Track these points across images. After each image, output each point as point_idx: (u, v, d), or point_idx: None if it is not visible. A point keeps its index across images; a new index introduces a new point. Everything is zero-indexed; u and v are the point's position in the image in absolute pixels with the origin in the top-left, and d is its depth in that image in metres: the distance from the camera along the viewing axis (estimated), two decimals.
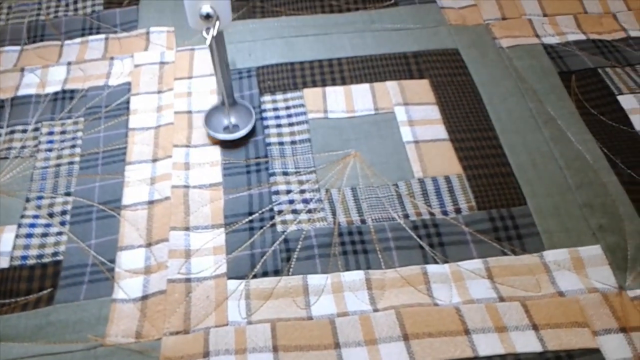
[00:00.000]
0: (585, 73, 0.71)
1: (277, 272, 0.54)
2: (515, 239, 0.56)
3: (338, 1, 0.81)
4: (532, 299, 0.52)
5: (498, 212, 0.58)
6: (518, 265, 0.54)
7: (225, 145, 0.65)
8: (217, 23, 0.55)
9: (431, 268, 0.54)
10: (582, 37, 0.76)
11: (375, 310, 0.51)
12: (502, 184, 0.60)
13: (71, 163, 0.64)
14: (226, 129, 0.66)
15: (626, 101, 0.68)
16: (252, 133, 0.66)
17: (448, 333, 0.49)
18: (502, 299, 0.52)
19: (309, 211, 0.59)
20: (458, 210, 0.58)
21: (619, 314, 0.51)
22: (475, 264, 0.54)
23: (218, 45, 0.58)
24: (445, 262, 0.54)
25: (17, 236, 0.57)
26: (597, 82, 0.70)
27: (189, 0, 0.55)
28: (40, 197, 0.61)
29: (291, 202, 0.60)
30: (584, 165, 0.62)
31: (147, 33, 0.78)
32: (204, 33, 0.56)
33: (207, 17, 0.54)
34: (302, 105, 0.68)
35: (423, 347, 0.48)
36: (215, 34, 0.56)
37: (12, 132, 0.67)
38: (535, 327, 0.50)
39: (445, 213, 0.58)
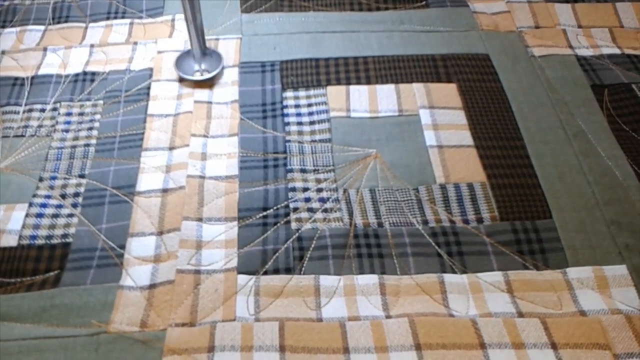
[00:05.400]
0: (619, 88, 0.69)
1: (288, 270, 0.53)
2: (538, 253, 0.54)
3: None
4: (553, 317, 0.50)
5: (522, 224, 0.56)
6: (540, 280, 0.52)
7: (243, 138, 0.64)
8: None
9: (448, 277, 0.52)
10: (616, 51, 0.74)
11: (388, 316, 0.49)
12: (528, 196, 0.58)
13: (87, 145, 0.63)
14: (196, 72, 0.69)
15: None
16: (219, 77, 0.69)
17: (462, 346, 0.47)
18: (521, 315, 0.50)
19: (325, 210, 0.57)
20: (480, 220, 0.56)
21: None
22: (495, 276, 0.52)
23: None
24: (464, 272, 0.53)
25: (27, 215, 0.56)
26: (630, 97, 0.68)
27: None
28: (53, 178, 0.60)
29: (307, 200, 0.58)
30: (613, 181, 0.59)
31: (172, 20, 0.77)
32: None
33: None
34: (325, 103, 0.67)
35: (435, 358, 0.46)
36: None
37: (30, 110, 0.66)
38: (554, 346, 0.48)
39: (466, 221, 0.56)
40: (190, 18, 0.63)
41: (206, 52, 0.70)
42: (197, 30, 0.66)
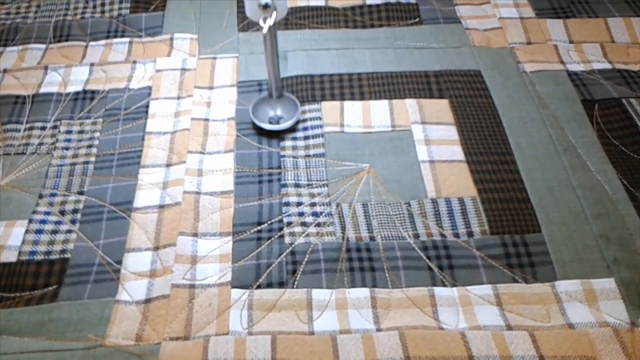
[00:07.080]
0: (609, 103, 0.70)
1: (281, 284, 0.54)
2: (527, 266, 0.55)
3: (362, 17, 0.81)
4: (541, 329, 0.50)
5: (511, 237, 0.57)
6: (528, 293, 0.53)
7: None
8: (274, 13, 0.58)
9: (439, 291, 0.53)
10: (607, 66, 0.75)
11: (379, 329, 0.50)
12: (517, 210, 0.59)
13: (86, 163, 0.64)
14: (271, 119, 0.67)
15: None
16: (296, 125, 0.68)
17: (451, 358, 0.48)
18: (509, 327, 0.50)
19: (318, 224, 0.58)
20: (470, 234, 0.57)
21: (629, 350, 0.49)
22: (485, 289, 0.53)
23: (271, 37, 0.60)
24: (454, 285, 0.53)
25: (27, 231, 0.58)
26: (620, 112, 0.69)
27: None
28: (53, 194, 0.61)
29: (301, 214, 0.59)
30: (602, 195, 0.60)
31: (171, 39, 0.78)
32: (261, 22, 0.58)
33: (266, 6, 0.57)
34: (319, 118, 0.68)
35: None
36: (272, 23, 0.58)
37: (31, 128, 0.68)
38: (541, 358, 0.48)
39: (456, 235, 0.57)
40: (271, 65, 0.63)
41: (281, 99, 0.68)
42: (276, 77, 0.65)
